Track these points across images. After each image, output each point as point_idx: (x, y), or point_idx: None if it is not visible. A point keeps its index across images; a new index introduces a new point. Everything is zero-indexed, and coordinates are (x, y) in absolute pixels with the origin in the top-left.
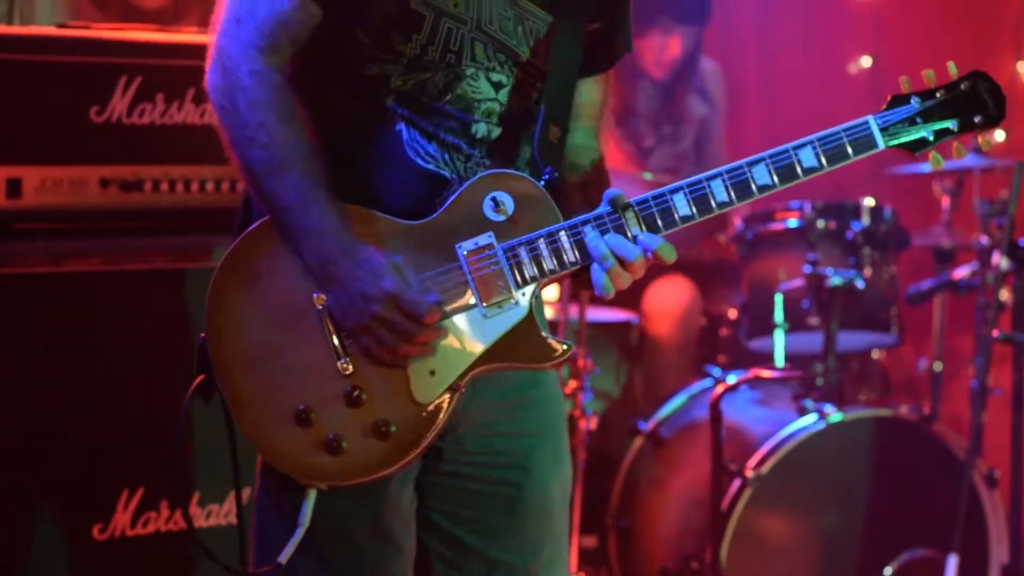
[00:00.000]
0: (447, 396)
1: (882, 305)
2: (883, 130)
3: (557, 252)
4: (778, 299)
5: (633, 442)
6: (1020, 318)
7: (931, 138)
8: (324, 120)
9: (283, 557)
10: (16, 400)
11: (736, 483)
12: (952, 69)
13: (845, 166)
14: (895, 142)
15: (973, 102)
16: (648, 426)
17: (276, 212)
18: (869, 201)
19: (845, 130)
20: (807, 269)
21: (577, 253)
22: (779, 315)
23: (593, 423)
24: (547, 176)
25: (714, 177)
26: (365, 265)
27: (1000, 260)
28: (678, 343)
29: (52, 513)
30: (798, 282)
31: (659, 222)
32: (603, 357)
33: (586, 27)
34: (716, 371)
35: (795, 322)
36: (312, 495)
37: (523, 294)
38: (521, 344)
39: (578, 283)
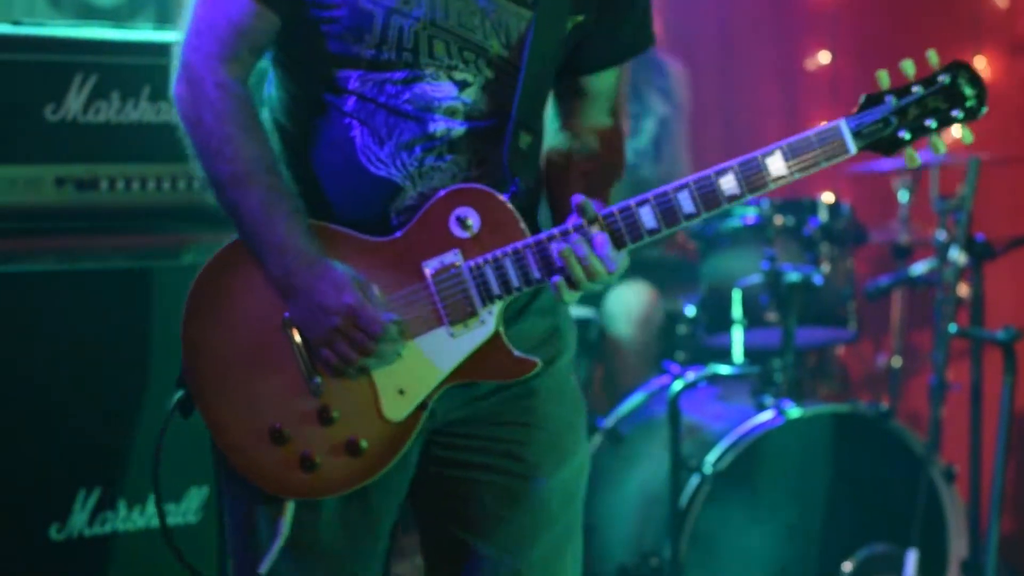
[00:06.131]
0: (418, 414)
1: (840, 301)
2: (856, 134)
3: (523, 269)
4: (736, 295)
5: (592, 440)
6: (978, 313)
7: (908, 137)
8: (288, 126)
9: (264, 567)
10: None
11: (695, 480)
12: (932, 59)
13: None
14: (867, 144)
15: (953, 96)
16: (607, 423)
17: (241, 226)
18: (827, 197)
19: (816, 135)
20: (765, 265)
21: (543, 269)
22: (737, 311)
23: None
24: (514, 188)
25: (681, 188)
26: (327, 278)
27: (957, 255)
28: (638, 346)
29: (8, 513)
30: (756, 278)
31: (625, 236)
32: None
33: (567, 21)
34: (675, 368)
35: (753, 318)
36: (291, 506)
37: (489, 313)
38: (489, 362)
39: None
